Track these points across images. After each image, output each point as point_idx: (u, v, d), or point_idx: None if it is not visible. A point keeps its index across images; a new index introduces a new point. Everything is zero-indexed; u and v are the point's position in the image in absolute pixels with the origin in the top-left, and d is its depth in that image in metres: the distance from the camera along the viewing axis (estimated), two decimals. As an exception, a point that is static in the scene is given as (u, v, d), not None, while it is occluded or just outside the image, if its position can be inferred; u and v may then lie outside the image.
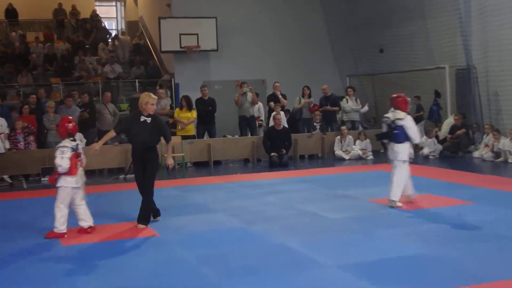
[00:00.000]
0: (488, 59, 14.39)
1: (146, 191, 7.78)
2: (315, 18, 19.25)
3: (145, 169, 7.80)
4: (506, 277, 4.74)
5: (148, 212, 7.88)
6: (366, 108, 16.17)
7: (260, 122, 15.02)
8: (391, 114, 8.02)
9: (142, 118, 7.69)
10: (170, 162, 8.20)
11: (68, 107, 13.50)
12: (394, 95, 8.30)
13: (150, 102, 7.70)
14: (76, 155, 7.04)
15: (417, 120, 14.28)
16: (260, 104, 15.24)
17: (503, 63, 13.93)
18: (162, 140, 8.05)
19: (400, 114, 7.95)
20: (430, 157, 13.66)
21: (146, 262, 5.74)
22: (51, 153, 12.07)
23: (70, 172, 6.94)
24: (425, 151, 13.84)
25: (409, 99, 9.56)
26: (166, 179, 11.74)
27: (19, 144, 12.60)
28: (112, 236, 6.94)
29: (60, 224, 6.93)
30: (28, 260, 6.02)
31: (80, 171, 7.21)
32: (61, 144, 7.05)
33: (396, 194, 7.92)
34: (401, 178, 7.78)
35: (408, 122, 7.82)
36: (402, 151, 7.80)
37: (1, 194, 10.61)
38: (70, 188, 7.00)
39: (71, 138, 7.16)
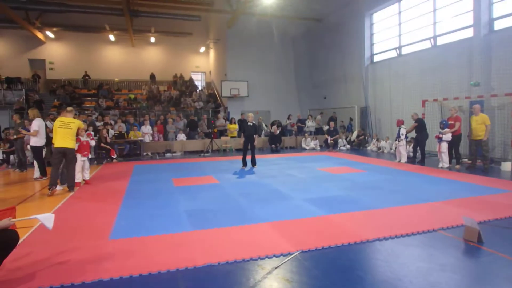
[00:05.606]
0: (375, 103, 14.01)
1: (253, 154, 8.37)
2: (292, 81, 18.92)
3: (251, 146, 8.28)
4: (381, 207, 4.74)
5: (256, 162, 8.43)
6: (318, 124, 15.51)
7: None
8: None
9: (250, 123, 8.23)
10: (255, 143, 8.51)
11: (178, 121, 13.46)
12: None
13: (249, 117, 8.41)
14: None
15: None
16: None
17: (380, 104, 13.61)
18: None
19: None
20: (345, 149, 13.26)
21: (212, 194, 5.62)
22: (169, 143, 12.44)
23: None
24: (342, 146, 13.48)
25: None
26: (222, 156, 11.34)
27: (154, 138, 12.49)
28: (198, 182, 6.80)
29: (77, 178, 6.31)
30: (160, 190, 6.06)
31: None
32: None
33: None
34: None
35: None
36: None
37: (147, 161, 10.50)
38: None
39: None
